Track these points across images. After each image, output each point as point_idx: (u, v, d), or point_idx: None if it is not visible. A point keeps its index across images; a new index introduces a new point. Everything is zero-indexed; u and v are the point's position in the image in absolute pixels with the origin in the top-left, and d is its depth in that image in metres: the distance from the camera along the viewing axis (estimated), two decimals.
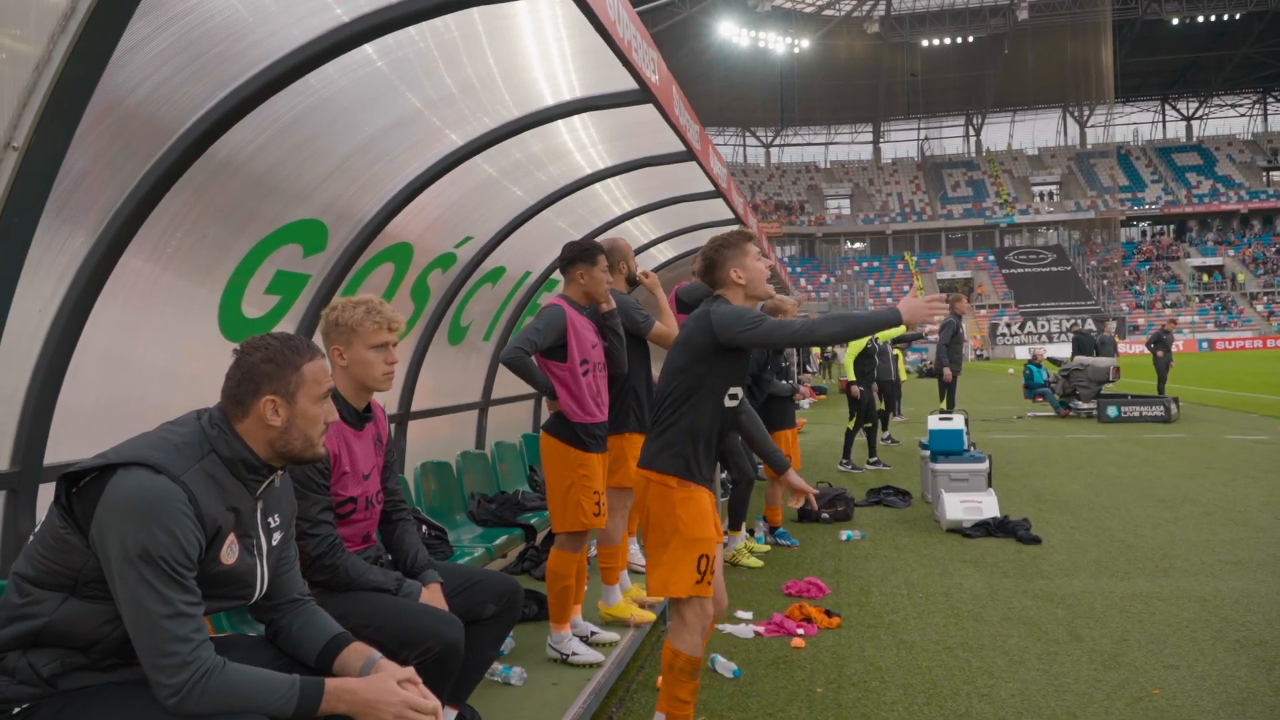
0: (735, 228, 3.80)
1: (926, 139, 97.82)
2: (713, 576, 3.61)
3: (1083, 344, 21.06)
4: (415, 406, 5.83)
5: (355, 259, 4.39)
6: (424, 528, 4.59)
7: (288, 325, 4.25)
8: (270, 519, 2.49)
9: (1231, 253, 76.78)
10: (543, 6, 3.60)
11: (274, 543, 2.49)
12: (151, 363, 3.54)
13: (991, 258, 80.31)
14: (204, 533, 2.22)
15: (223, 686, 2.14)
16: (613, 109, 4.64)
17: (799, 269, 79.00)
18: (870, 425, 12.43)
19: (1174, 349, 21.20)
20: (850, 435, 12.37)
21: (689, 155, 5.42)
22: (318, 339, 3.11)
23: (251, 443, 2.37)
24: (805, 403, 24.62)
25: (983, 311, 68.86)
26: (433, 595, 3.18)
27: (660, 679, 3.98)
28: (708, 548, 3.58)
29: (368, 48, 3.40)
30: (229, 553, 2.31)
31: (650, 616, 5.09)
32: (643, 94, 4.11)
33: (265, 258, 3.87)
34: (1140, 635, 5.20)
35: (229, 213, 3.57)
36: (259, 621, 2.61)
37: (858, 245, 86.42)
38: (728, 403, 3.62)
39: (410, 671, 2.36)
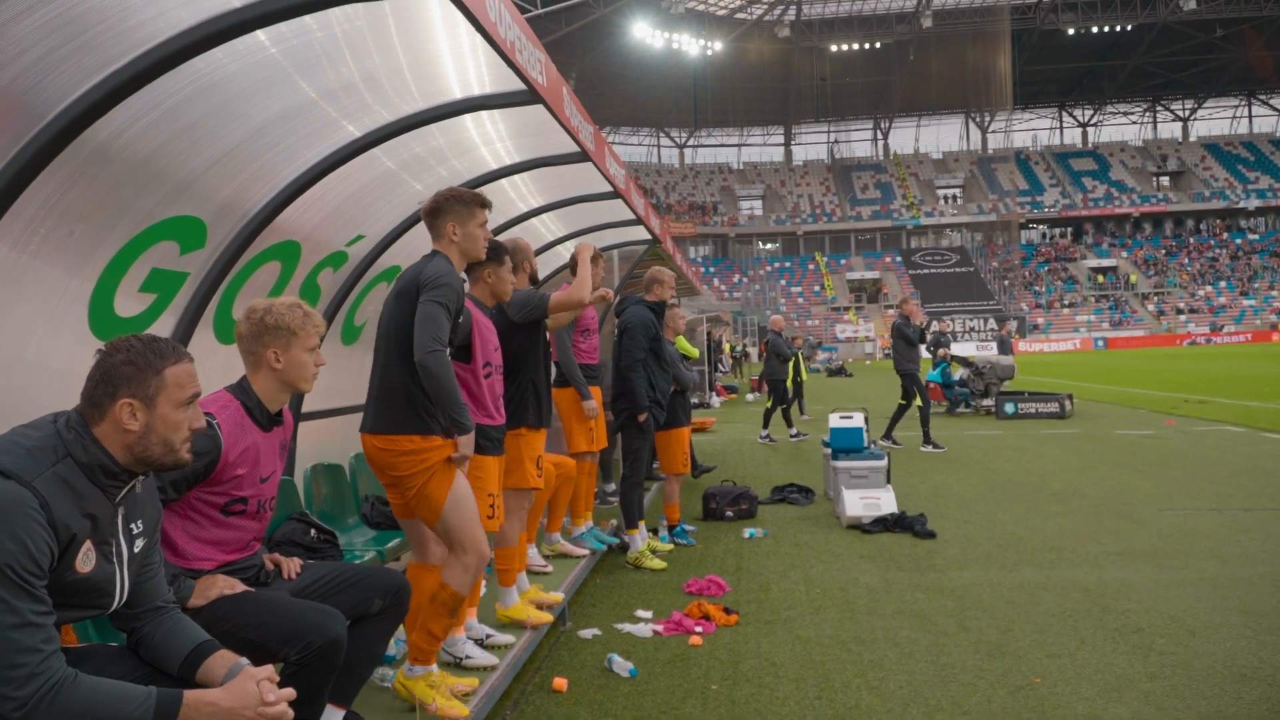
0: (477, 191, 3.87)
1: (836, 142, 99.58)
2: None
3: (1004, 345, 22.03)
4: (307, 408, 5.69)
5: (238, 256, 4.25)
6: (313, 531, 4.49)
7: (166, 322, 4.10)
8: (132, 525, 2.41)
9: (1124, 254, 79.93)
10: (434, 5, 3.54)
11: (136, 550, 2.42)
12: (14, 356, 3.37)
13: (899, 258, 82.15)
14: (57, 540, 2.14)
15: (73, 699, 2.06)
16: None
17: (712, 269, 79.66)
18: None
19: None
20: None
21: (583, 156, 5.40)
22: (239, 341, 3.14)
23: (109, 447, 2.29)
24: (716, 400, 24.92)
25: (890, 311, 70.30)
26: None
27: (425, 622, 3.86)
28: None
29: (260, 34, 3.30)
30: (85, 561, 2.24)
31: (547, 618, 5.07)
32: (531, 95, 4.07)
33: (138, 256, 3.71)
34: (1025, 625, 5.35)
35: (98, 207, 3.41)
36: (120, 630, 2.53)
37: (770, 246, 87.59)
38: None
39: (268, 670, 2.33)
